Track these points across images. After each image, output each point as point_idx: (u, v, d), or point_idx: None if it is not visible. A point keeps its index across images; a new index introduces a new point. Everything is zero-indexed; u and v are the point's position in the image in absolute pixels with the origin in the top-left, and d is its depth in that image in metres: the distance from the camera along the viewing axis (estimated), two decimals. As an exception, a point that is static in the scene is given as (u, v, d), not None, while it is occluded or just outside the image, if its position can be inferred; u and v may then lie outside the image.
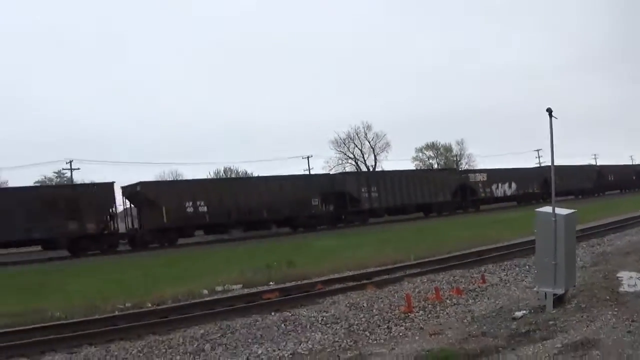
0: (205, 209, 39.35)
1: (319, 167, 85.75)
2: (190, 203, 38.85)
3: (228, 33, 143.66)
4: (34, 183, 64.36)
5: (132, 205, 39.19)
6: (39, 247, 36.46)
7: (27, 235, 33.65)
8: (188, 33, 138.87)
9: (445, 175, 57.71)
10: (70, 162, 67.54)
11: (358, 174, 51.07)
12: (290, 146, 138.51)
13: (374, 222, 47.90)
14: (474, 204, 56.53)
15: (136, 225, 38.60)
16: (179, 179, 65.42)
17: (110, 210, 36.90)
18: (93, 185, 38.38)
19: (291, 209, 43.16)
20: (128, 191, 38.86)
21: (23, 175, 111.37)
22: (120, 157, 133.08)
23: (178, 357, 9.56)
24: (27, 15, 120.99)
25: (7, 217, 32.14)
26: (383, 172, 52.60)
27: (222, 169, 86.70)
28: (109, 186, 37.25)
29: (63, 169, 70.84)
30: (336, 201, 46.62)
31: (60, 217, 34.01)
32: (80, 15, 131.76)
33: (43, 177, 75.67)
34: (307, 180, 49.23)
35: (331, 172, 74.15)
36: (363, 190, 47.56)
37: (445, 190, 53.23)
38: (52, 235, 33.86)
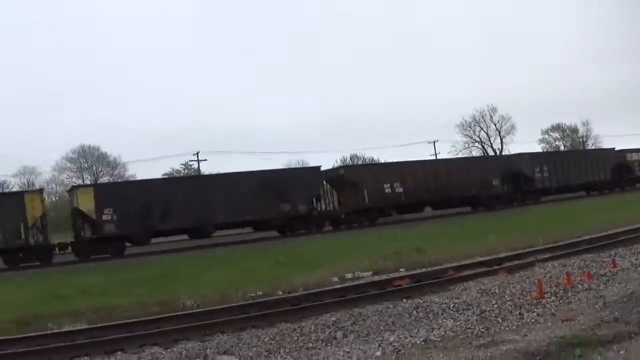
0: (401, 189, 43.09)
1: (444, 152, 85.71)
2: (388, 184, 42.69)
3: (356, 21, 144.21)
4: (162, 175, 67.22)
5: (332, 188, 42.51)
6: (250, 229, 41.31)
7: (243, 217, 37.65)
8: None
9: (605, 154, 58.74)
10: (197, 153, 70.15)
11: (532, 154, 54.36)
12: (414, 131, 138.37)
13: (545, 200, 50.63)
14: (630, 182, 56.51)
15: (335, 207, 42.07)
16: (306, 165, 66.54)
17: (318, 192, 40.80)
18: (303, 169, 43.64)
19: (475, 189, 46.48)
20: (329, 175, 43.29)
21: (153, 168, 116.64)
22: (245, 148, 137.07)
23: (310, 345, 9.77)
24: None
25: (224, 201, 36.20)
26: (553, 152, 55.52)
27: (348, 155, 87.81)
28: (317, 170, 41.71)
29: (190, 161, 73.64)
30: (511, 181, 49.14)
31: (274, 199, 37.71)
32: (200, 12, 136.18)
33: (171, 170, 78.77)
34: (489, 162, 53.81)
35: (458, 156, 75.46)
36: (536, 170, 49.96)
37: (606, 168, 54.64)
38: (267, 217, 37.69)
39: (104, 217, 33.92)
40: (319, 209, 41.05)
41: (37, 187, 72.55)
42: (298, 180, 39.52)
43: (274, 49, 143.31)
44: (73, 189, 37.61)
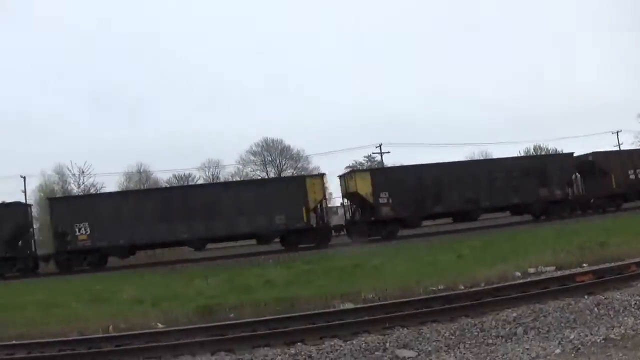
0: None
1: (627, 143, 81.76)
2: (632, 171, 43.59)
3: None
4: (345, 169, 68.44)
5: (579, 174, 43.78)
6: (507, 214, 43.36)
7: (507, 201, 39.68)
8: None
9: None
10: (380, 145, 70.95)
11: None
12: (595, 121, 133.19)
13: None
14: None
15: (582, 192, 43.49)
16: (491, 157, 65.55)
17: (570, 177, 42.30)
18: (558, 155, 45.74)
19: None
20: (577, 161, 43.96)
21: (336, 161, 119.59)
22: (426, 139, 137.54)
23: (490, 341, 9.91)
24: None
25: (490, 185, 38.58)
26: None
27: (531, 147, 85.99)
28: (570, 156, 42.97)
29: (373, 153, 74.56)
30: None
31: (534, 184, 39.75)
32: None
33: (354, 162, 79.92)
34: None
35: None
36: None
37: None
38: (527, 201, 39.61)
39: (381, 201, 36.50)
40: (571, 194, 41.93)
41: (222, 180, 76.01)
42: (554, 166, 41.49)
43: (450, 43, 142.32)
44: (350, 174, 39.89)
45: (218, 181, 71.71)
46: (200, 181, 78.29)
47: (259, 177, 74.20)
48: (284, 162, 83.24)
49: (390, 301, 13.66)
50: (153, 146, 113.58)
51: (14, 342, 12.43)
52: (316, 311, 13.10)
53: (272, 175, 77.82)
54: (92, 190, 68.92)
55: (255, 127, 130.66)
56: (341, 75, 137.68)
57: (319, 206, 36.99)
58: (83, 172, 73.17)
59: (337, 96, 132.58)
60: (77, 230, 34.46)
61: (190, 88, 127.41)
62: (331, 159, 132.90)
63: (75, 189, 71.55)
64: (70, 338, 12.37)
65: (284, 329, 11.48)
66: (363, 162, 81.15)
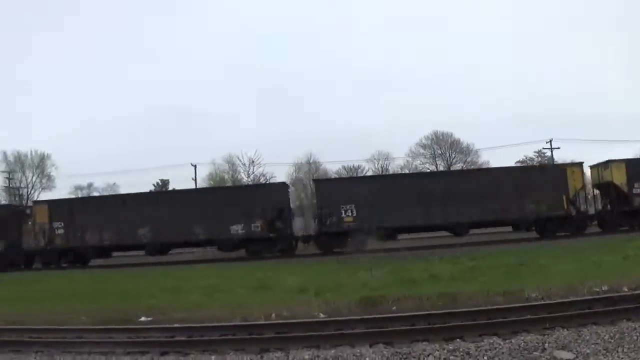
0: None
1: None
2: None
3: None
4: (515, 163, 67.45)
5: None
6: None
7: None
8: None
9: None
10: (550, 141, 69.61)
11: None
12: None
13: None
14: None
15: None
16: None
17: None
18: None
19: None
20: None
21: (506, 155, 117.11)
22: (598, 136, 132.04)
23: None
24: None
25: None
26: None
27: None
28: None
29: (543, 149, 73.11)
30: None
31: None
32: None
33: (524, 157, 78.50)
34: None
35: None
36: None
37: None
38: None
39: (634, 191, 36.87)
40: None
41: (390, 172, 76.31)
42: None
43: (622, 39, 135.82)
44: (606, 163, 39.68)
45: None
46: (369, 173, 79.12)
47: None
48: (453, 156, 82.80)
49: (553, 301, 13.58)
50: (322, 138, 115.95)
51: (175, 325, 13.28)
52: (478, 308, 13.01)
53: (440, 168, 77.68)
54: (262, 180, 71.25)
55: (424, 120, 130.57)
56: (511, 68, 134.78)
57: (578, 195, 37.31)
58: (253, 161, 75.97)
59: (512, 92, 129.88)
60: (342, 212, 35.95)
61: (360, 81, 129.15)
62: (502, 153, 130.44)
63: (245, 178, 74.31)
64: (231, 323, 13.04)
65: (443, 324, 11.58)
66: (533, 157, 79.47)
